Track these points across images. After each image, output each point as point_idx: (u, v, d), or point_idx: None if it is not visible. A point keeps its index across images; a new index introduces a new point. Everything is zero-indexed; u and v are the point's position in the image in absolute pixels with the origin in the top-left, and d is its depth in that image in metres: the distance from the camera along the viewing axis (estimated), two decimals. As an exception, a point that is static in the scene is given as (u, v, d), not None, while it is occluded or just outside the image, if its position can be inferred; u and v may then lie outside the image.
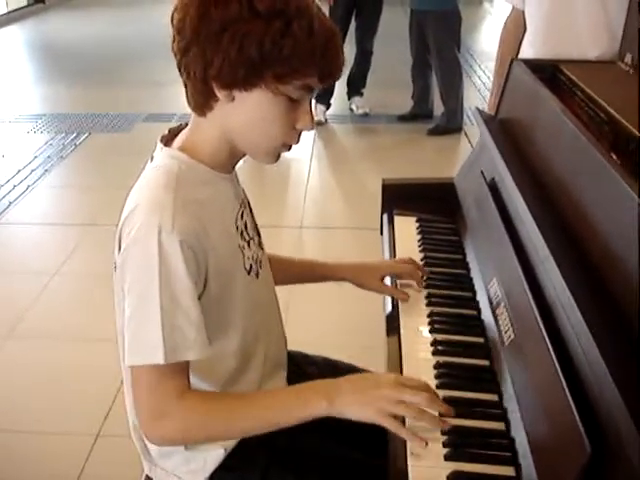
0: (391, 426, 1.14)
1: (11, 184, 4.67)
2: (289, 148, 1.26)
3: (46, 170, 4.94)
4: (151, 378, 1.17)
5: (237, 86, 1.15)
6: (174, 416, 1.17)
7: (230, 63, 1.12)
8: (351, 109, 6.21)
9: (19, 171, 4.90)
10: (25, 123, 5.99)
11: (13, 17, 10.93)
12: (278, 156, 1.27)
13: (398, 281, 1.66)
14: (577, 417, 0.96)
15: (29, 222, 4.25)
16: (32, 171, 4.91)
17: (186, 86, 1.20)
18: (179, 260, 1.12)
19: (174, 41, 1.17)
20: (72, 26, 10.57)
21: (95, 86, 7.15)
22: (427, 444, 1.14)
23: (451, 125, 5.64)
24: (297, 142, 1.26)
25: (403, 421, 1.16)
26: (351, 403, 1.15)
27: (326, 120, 5.96)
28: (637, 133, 1.39)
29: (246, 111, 1.18)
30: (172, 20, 1.17)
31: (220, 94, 1.16)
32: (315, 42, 1.13)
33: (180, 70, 1.19)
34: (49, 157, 5.18)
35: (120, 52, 8.69)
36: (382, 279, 1.65)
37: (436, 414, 1.17)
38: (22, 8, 11.51)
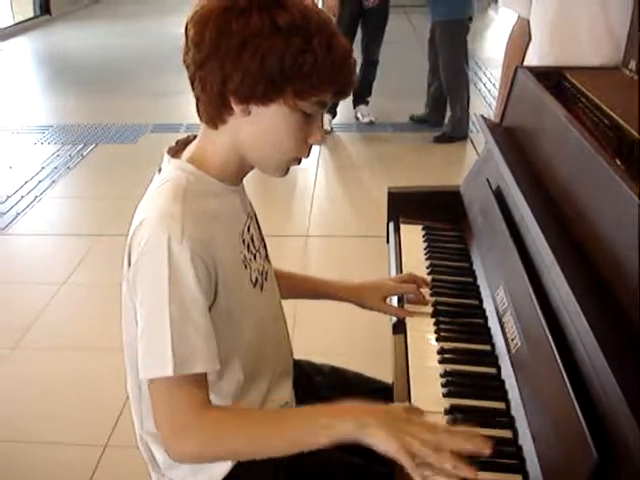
0: (408, 465, 1.07)
1: (19, 195, 4.69)
2: (299, 162, 1.27)
3: (53, 181, 4.95)
4: (168, 392, 1.15)
5: (255, 101, 1.15)
6: (194, 431, 1.15)
7: (250, 78, 1.12)
8: (357, 117, 6.21)
9: (26, 182, 4.91)
10: (32, 134, 6.02)
11: (20, 29, 10.98)
12: (287, 169, 1.28)
13: (406, 305, 1.64)
14: (584, 423, 0.96)
15: (37, 233, 4.26)
16: (39, 182, 4.93)
17: (198, 99, 1.20)
18: (189, 270, 1.13)
19: (187, 53, 1.17)
20: (78, 37, 10.62)
21: (102, 97, 7.17)
22: None
23: (456, 134, 5.64)
24: (307, 156, 1.26)
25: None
26: (380, 432, 1.09)
27: (332, 129, 5.97)
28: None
29: (261, 125, 1.19)
30: (186, 32, 1.17)
31: (237, 108, 1.16)
32: (333, 59, 1.14)
33: (193, 83, 1.19)
34: (56, 168, 5.20)
35: (126, 63, 8.72)
36: (384, 299, 1.64)
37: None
38: (29, 20, 11.57)
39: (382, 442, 1.08)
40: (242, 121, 1.18)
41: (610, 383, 0.95)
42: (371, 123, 6.14)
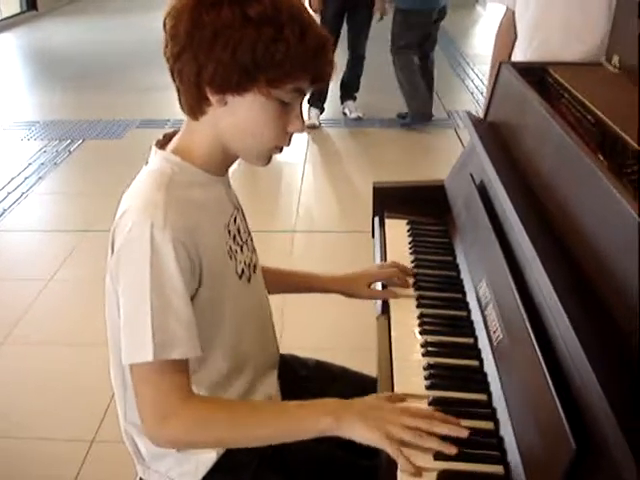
0: (393, 451, 1.12)
1: (5, 191, 4.68)
2: (280, 150, 1.28)
3: (40, 177, 4.94)
4: (149, 378, 1.17)
5: (230, 91, 1.17)
6: (177, 416, 1.17)
7: (223, 68, 1.14)
8: (344, 113, 6.21)
9: (13, 178, 4.90)
10: (18, 130, 6.00)
11: (6, 24, 10.91)
12: (270, 158, 1.29)
13: (389, 287, 1.68)
14: (563, 415, 0.98)
15: (23, 229, 4.25)
16: (26, 178, 4.91)
17: (179, 90, 1.22)
18: (171, 257, 1.14)
19: (167, 46, 1.19)
20: (65, 33, 10.57)
21: (88, 93, 7.15)
22: (421, 475, 1.12)
23: (416, 123, 5.82)
24: (288, 144, 1.27)
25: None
26: (357, 423, 1.14)
27: (320, 124, 5.97)
28: (622, 134, 1.40)
29: (239, 115, 1.20)
30: (164, 25, 1.19)
31: (213, 98, 1.18)
32: (307, 47, 1.15)
33: (173, 75, 1.21)
34: (43, 164, 5.19)
35: (113, 59, 8.68)
36: (369, 286, 1.68)
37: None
38: (15, 15, 11.50)
39: (361, 433, 1.14)
40: (220, 111, 1.20)
41: (588, 376, 0.96)
42: (359, 119, 6.14)
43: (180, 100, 1.23)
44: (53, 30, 10.87)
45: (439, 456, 1.15)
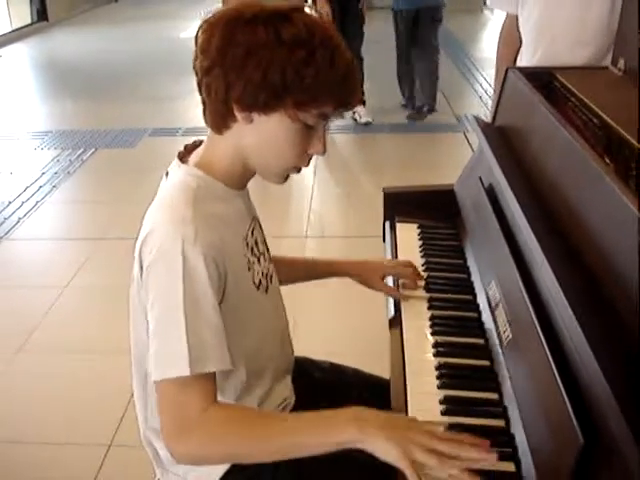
0: (409, 472, 1.07)
1: (19, 200, 4.73)
2: (299, 171, 1.31)
3: (54, 186, 4.99)
4: (177, 390, 1.16)
5: (257, 110, 1.19)
6: (197, 431, 1.15)
7: (253, 88, 1.16)
8: (354, 119, 6.24)
9: (27, 188, 4.95)
10: (32, 140, 6.06)
11: (17, 35, 11.03)
12: (287, 178, 1.32)
13: (400, 281, 1.71)
14: (571, 410, 1.00)
15: (38, 237, 4.30)
16: (40, 187, 4.97)
17: (204, 104, 1.24)
18: (203, 272, 1.15)
19: (196, 59, 1.21)
20: (76, 43, 10.66)
21: (100, 102, 7.22)
22: None
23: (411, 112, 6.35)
24: (307, 165, 1.30)
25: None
26: (380, 438, 1.10)
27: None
28: (628, 136, 1.43)
29: (263, 134, 1.22)
30: (196, 39, 1.21)
31: (239, 115, 1.20)
32: (336, 72, 1.17)
33: (200, 88, 1.23)
34: (56, 173, 5.24)
35: (124, 68, 8.75)
36: (383, 278, 1.70)
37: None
38: (26, 26, 11.61)
39: (383, 449, 1.10)
40: (245, 128, 1.22)
41: (595, 372, 0.99)
42: (368, 124, 6.18)
43: (205, 113, 1.25)
44: (64, 40, 10.97)
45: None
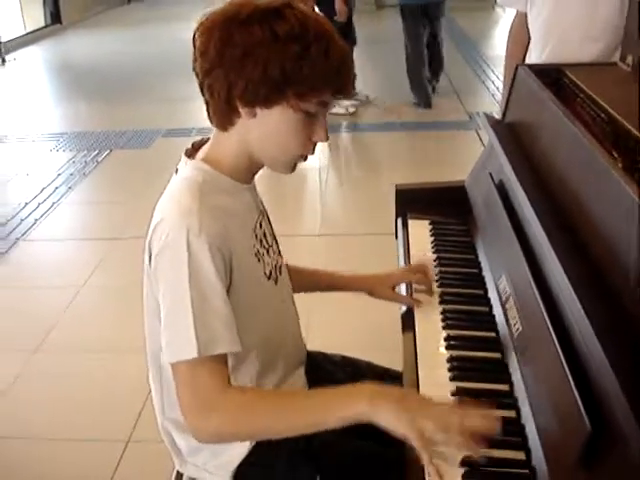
0: (419, 445, 1.11)
1: (36, 202, 4.78)
2: (305, 159, 1.34)
3: (69, 187, 5.04)
4: (191, 372, 1.21)
5: (259, 104, 1.23)
6: (218, 409, 1.21)
7: (253, 85, 1.20)
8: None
9: (43, 189, 5.00)
10: (47, 142, 6.11)
11: (31, 38, 11.10)
12: (295, 167, 1.35)
13: (414, 285, 1.72)
14: (579, 400, 1.03)
15: (55, 238, 4.35)
16: (56, 188, 5.02)
17: (207, 104, 1.28)
18: (207, 260, 1.20)
19: (196, 61, 1.25)
20: (89, 45, 10.74)
21: (114, 103, 7.27)
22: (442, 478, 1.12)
23: (419, 103, 6.55)
24: (312, 153, 1.33)
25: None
26: (390, 411, 1.14)
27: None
28: (635, 131, 1.45)
29: (267, 126, 1.26)
30: (194, 42, 1.25)
31: (243, 111, 1.24)
32: (331, 62, 1.21)
33: (202, 89, 1.27)
34: (72, 174, 5.29)
35: (137, 69, 8.82)
36: (394, 288, 1.72)
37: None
38: (40, 29, 11.69)
39: (393, 423, 1.13)
40: (249, 123, 1.26)
41: (603, 363, 1.01)
42: (353, 112, 6.31)
43: (209, 112, 1.30)
44: (77, 43, 11.04)
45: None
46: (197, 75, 1.26)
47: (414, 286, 1.72)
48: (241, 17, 1.20)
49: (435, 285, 1.71)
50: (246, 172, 1.36)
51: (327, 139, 1.30)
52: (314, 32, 1.21)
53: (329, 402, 1.22)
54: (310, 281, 1.72)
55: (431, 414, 1.13)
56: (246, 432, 1.29)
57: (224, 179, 1.32)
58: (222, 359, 1.23)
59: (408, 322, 1.61)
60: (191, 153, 1.36)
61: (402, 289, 1.74)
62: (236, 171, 1.33)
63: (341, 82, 1.26)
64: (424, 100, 6.51)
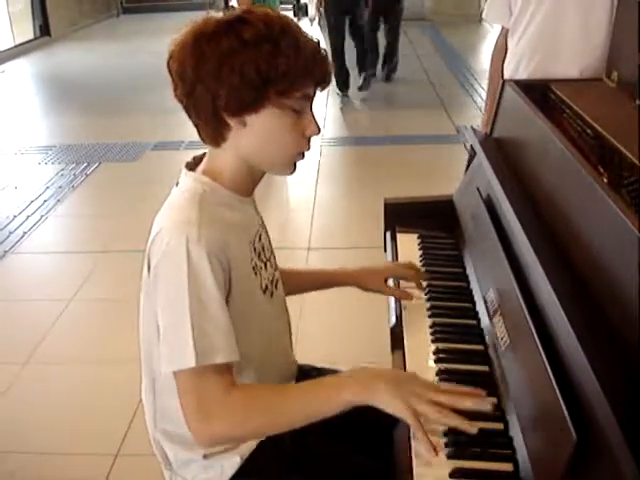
0: (413, 423, 1.16)
1: (24, 215, 4.78)
2: (303, 156, 1.36)
3: (58, 200, 5.04)
4: (192, 381, 1.22)
5: (246, 110, 1.25)
6: (219, 413, 1.22)
7: (235, 91, 1.22)
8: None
9: (32, 201, 5.00)
10: (36, 155, 6.11)
11: (20, 50, 11.10)
12: (295, 165, 1.37)
13: (401, 282, 1.76)
14: (565, 410, 1.04)
15: (43, 251, 4.34)
16: (45, 201, 5.01)
17: (197, 125, 1.31)
18: (206, 269, 1.21)
19: (176, 89, 1.28)
20: (78, 58, 10.74)
21: (103, 116, 7.28)
22: (437, 453, 1.17)
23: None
24: (309, 148, 1.36)
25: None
26: (385, 392, 1.18)
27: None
28: (620, 147, 1.48)
29: (258, 132, 1.29)
30: (169, 70, 1.28)
31: (232, 122, 1.26)
32: (304, 55, 1.24)
33: (189, 113, 1.29)
34: (60, 187, 5.29)
35: (126, 82, 8.83)
36: (385, 281, 1.75)
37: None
38: (29, 41, 11.69)
39: (388, 403, 1.18)
40: (241, 133, 1.28)
41: (588, 374, 1.03)
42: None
43: (200, 134, 1.32)
44: (66, 55, 11.04)
45: (451, 455, 1.22)
46: (181, 101, 1.29)
47: (402, 283, 1.75)
48: (208, 32, 1.23)
49: (424, 298, 1.73)
50: (246, 184, 1.38)
51: (319, 131, 1.33)
52: (279, 29, 1.24)
53: (325, 394, 1.25)
54: (304, 281, 1.74)
55: (425, 393, 1.18)
56: (250, 432, 1.32)
57: (224, 192, 1.34)
58: (224, 366, 1.24)
59: (397, 335, 1.63)
60: (192, 166, 1.38)
61: (390, 283, 1.77)
62: (236, 184, 1.35)
63: (319, 71, 1.29)
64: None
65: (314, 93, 1.31)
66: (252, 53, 1.21)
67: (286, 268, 1.64)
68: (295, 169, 1.37)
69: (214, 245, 1.23)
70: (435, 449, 1.17)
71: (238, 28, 1.23)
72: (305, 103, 1.30)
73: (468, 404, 1.19)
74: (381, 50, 8.21)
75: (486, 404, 1.21)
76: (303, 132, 1.31)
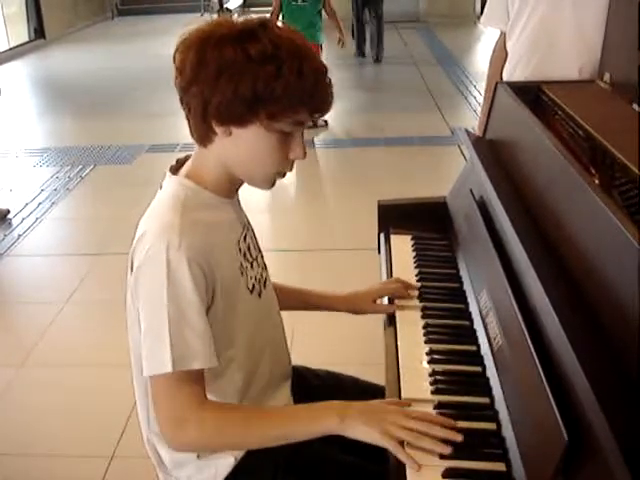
0: (392, 447, 1.21)
1: (20, 217, 4.78)
2: (283, 175, 1.36)
3: (53, 203, 5.04)
4: (167, 386, 1.25)
5: (233, 123, 1.26)
6: (193, 423, 1.25)
7: (227, 102, 1.23)
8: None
9: (27, 204, 5.00)
10: (31, 157, 6.10)
11: (15, 53, 11.08)
12: (274, 182, 1.37)
13: (396, 301, 1.75)
14: (556, 412, 1.05)
15: (38, 254, 4.34)
16: (39, 204, 5.01)
17: (188, 119, 1.31)
18: (186, 276, 1.22)
19: (176, 78, 1.28)
20: (73, 60, 10.73)
21: (98, 119, 7.27)
22: (420, 468, 1.20)
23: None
24: (290, 170, 1.36)
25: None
26: (359, 423, 1.23)
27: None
28: (611, 148, 1.48)
29: (242, 145, 1.29)
30: (174, 59, 1.28)
31: (218, 129, 1.27)
32: (305, 82, 1.23)
33: (182, 104, 1.30)
34: (55, 190, 5.29)
35: (121, 85, 8.82)
36: (374, 302, 1.75)
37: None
38: (24, 44, 11.68)
39: (362, 431, 1.23)
40: (225, 141, 1.29)
41: (580, 376, 1.04)
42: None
43: (190, 128, 1.32)
44: (61, 58, 11.03)
45: (444, 456, 1.22)
46: (178, 91, 1.30)
47: (397, 302, 1.75)
48: (215, 38, 1.23)
49: (417, 300, 1.74)
50: (228, 187, 1.38)
51: (304, 156, 1.32)
52: (287, 52, 1.23)
53: (301, 419, 1.30)
54: (292, 299, 1.74)
55: (396, 420, 1.23)
56: (218, 444, 1.35)
57: (207, 194, 1.34)
58: (199, 375, 1.26)
59: (390, 337, 1.63)
60: (175, 169, 1.39)
61: (384, 301, 1.77)
62: (218, 186, 1.36)
63: (317, 102, 1.28)
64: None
65: (308, 120, 1.30)
66: (253, 70, 1.21)
67: (279, 284, 1.65)
68: (273, 185, 1.37)
69: (195, 250, 1.24)
70: (419, 464, 1.20)
71: (246, 42, 1.22)
72: (296, 127, 1.29)
73: (439, 434, 1.22)
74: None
75: (457, 436, 1.23)
76: (287, 154, 1.31)
